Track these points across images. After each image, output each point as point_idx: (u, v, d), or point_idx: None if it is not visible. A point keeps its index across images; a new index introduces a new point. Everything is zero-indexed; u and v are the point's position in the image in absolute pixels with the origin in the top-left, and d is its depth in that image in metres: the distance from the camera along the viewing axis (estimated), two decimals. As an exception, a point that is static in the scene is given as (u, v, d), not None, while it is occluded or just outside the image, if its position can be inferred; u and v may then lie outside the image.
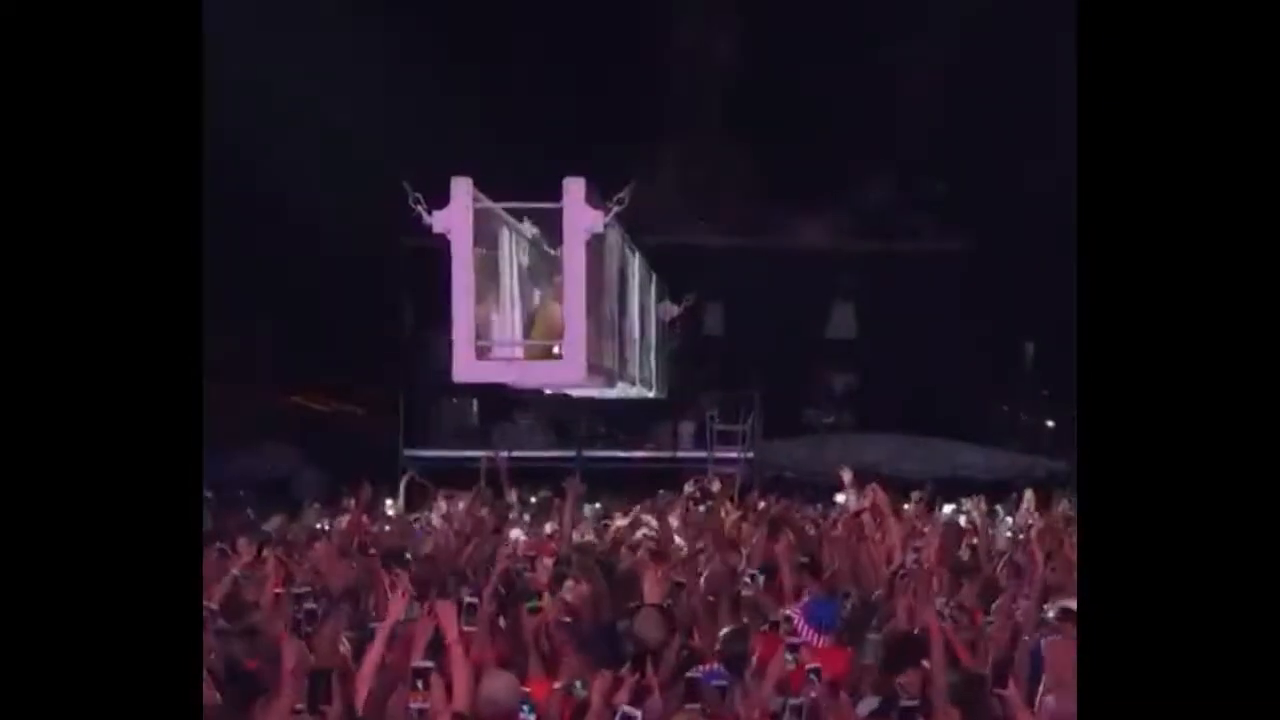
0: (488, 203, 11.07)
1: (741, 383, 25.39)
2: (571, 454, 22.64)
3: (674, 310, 17.05)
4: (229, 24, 12.56)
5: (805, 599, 10.18)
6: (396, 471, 22.65)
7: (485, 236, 11.40)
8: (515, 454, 22.62)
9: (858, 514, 12.83)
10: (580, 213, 10.67)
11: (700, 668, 8.44)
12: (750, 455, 22.66)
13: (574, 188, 10.69)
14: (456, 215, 10.54)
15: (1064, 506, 16.01)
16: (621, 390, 14.10)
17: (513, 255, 11.89)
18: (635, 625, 9.81)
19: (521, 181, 11.97)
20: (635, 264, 14.08)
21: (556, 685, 8.19)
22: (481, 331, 10.74)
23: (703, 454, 22.70)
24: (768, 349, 25.93)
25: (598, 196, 10.71)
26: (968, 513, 15.96)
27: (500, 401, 22.81)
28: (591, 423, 23.54)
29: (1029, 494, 16.07)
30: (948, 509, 16.69)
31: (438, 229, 10.45)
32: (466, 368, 10.52)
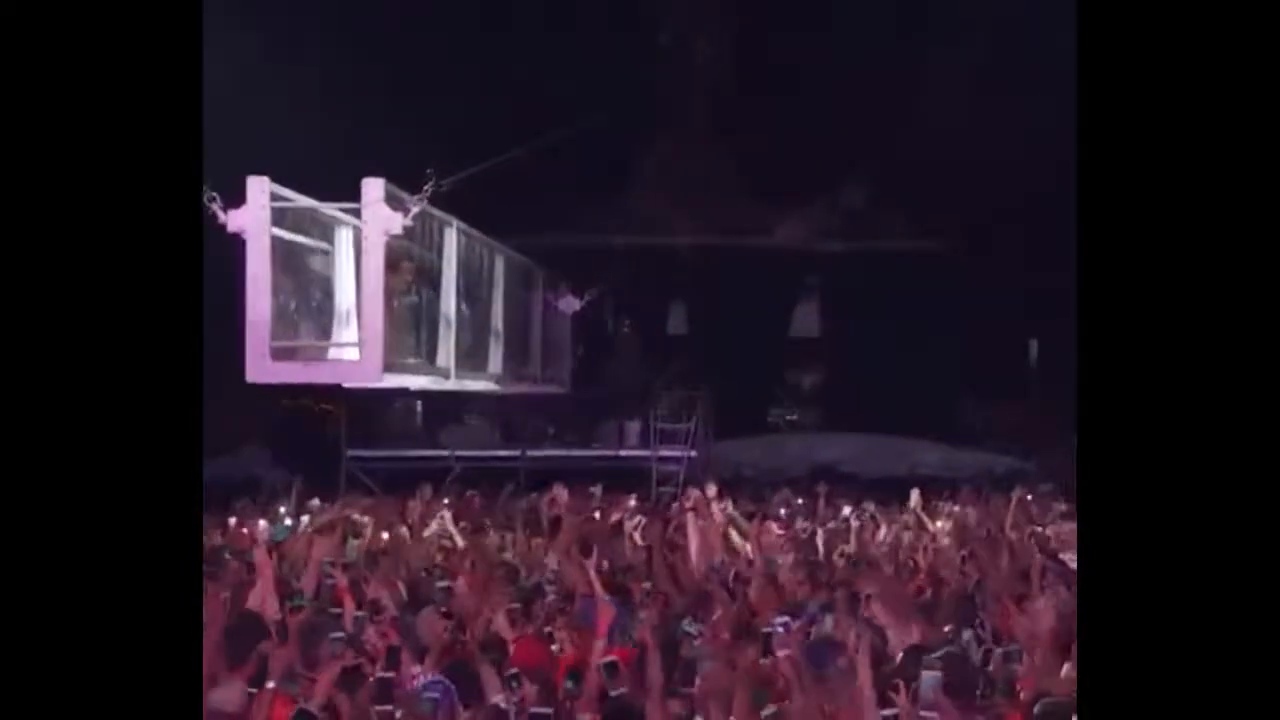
0: (298, 201, 11.08)
1: (706, 381, 25.32)
2: (516, 453, 22.63)
3: (576, 304, 16.97)
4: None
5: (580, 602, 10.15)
6: (341, 473, 22.86)
7: (324, 235, 11.42)
8: (460, 454, 22.79)
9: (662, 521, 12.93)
10: (379, 213, 10.62)
11: (424, 676, 8.43)
12: (693, 454, 22.53)
13: (372, 188, 10.62)
14: (250, 215, 10.48)
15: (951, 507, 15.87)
16: (484, 385, 14.06)
17: (346, 254, 11.81)
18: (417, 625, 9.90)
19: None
20: (500, 262, 14.00)
21: (269, 684, 8.17)
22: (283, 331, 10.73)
23: (646, 453, 22.61)
24: (732, 347, 25.79)
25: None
26: (863, 515, 15.91)
27: (447, 401, 22.79)
28: (538, 422, 23.49)
29: (915, 494, 15.87)
30: (846, 510, 16.59)
31: (231, 228, 10.40)
32: (258, 368, 10.46)
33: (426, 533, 13.77)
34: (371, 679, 8.14)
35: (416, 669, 8.76)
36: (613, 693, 8.18)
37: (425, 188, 10.84)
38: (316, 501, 16.02)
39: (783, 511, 17.12)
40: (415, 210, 10.68)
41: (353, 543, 13.34)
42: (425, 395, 22.32)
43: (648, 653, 8.20)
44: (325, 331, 11.33)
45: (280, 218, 11.12)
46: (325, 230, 11.46)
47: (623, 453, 22.91)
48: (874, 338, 25.61)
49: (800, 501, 18.30)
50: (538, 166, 23.58)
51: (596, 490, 18.09)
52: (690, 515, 12.67)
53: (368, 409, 23.19)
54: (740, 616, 9.89)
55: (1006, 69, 22.19)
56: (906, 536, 14.04)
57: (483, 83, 25.01)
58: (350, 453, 22.83)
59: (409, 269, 12.07)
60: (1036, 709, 7.96)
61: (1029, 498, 18.00)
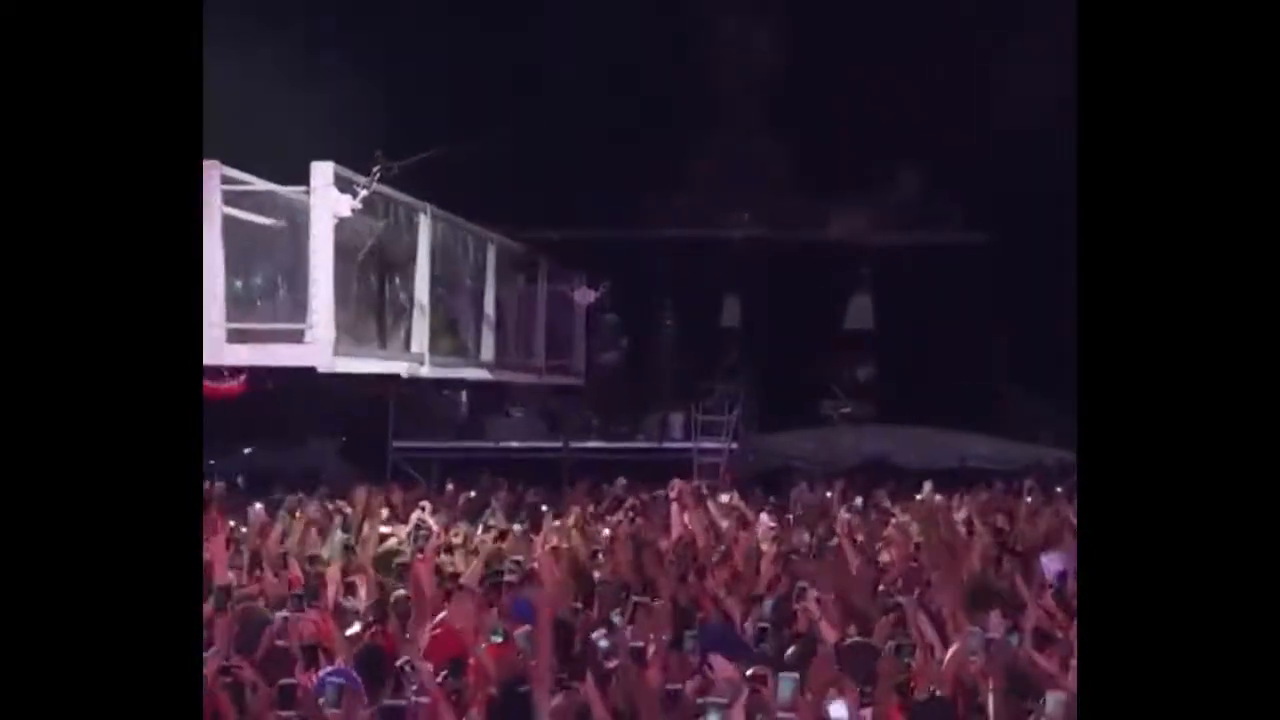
0: (253, 185, 11.18)
1: (758, 374, 25.20)
2: (558, 445, 22.59)
3: (590, 295, 16.94)
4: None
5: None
6: (386, 465, 22.98)
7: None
8: (503, 445, 22.82)
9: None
10: (328, 197, 10.67)
11: (327, 667, 8.41)
12: (734, 446, 22.38)
13: (322, 172, 10.69)
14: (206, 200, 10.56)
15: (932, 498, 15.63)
16: (473, 372, 14.09)
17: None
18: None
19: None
20: (492, 251, 13.96)
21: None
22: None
23: (689, 444, 22.48)
24: (785, 340, 25.58)
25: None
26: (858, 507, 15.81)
27: (491, 393, 22.80)
28: (583, 414, 23.44)
29: (927, 485, 15.70)
30: (858, 501, 16.44)
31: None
32: (216, 350, 10.56)
33: (404, 530, 13.77)
34: (274, 686, 8.02)
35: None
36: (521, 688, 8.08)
37: (374, 170, 10.87)
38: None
39: (799, 505, 16.97)
40: (364, 194, 10.71)
41: (338, 536, 13.34)
42: (471, 387, 22.34)
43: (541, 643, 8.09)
44: (301, 314, 11.39)
45: (251, 202, 11.25)
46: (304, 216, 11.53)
47: (665, 444, 22.78)
48: (928, 330, 25.29)
49: (829, 494, 18.12)
50: (597, 160, 23.88)
51: (621, 481, 18.07)
52: (674, 505, 12.60)
53: (414, 401, 23.25)
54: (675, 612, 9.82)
55: (1063, 61, 21.87)
56: (909, 529, 13.80)
57: (541, 75, 25.14)
58: (396, 444, 22.92)
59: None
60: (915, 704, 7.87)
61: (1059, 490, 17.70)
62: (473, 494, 17.94)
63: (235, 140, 11.30)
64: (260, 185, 11.09)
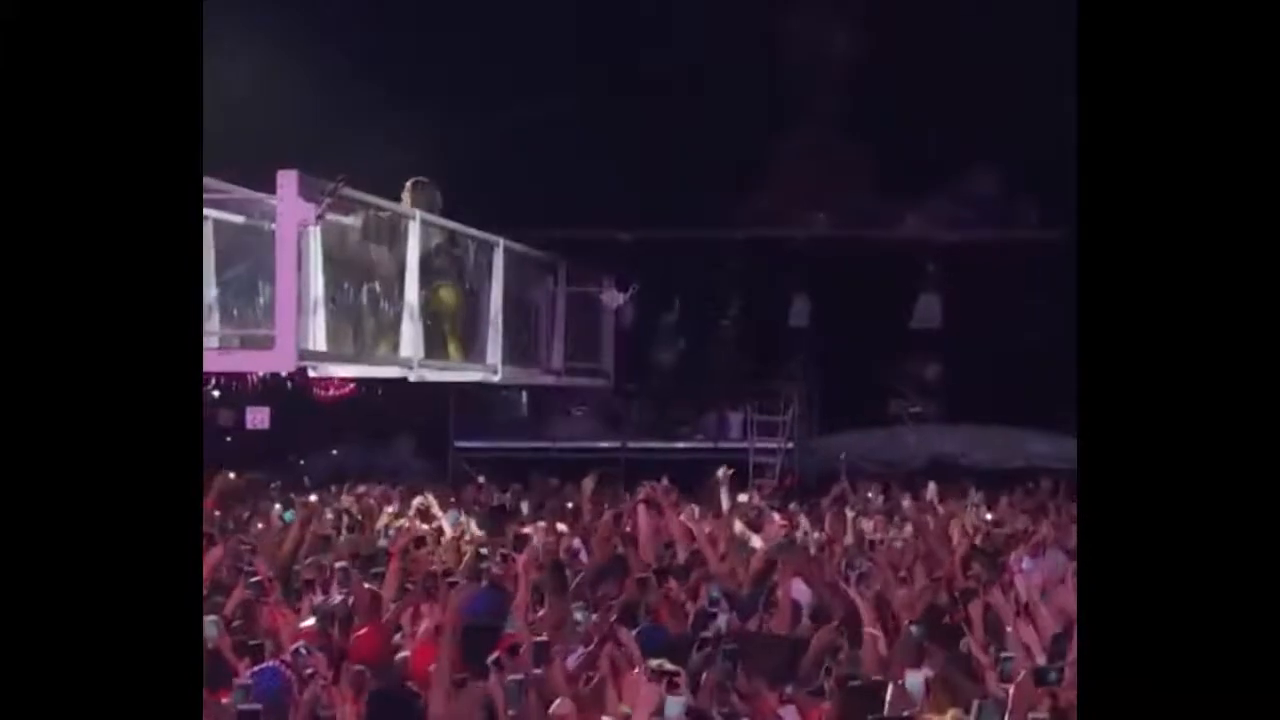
0: (234, 193, 11.47)
1: (826, 374, 25.17)
2: (617, 444, 22.79)
3: (619, 298, 17.05)
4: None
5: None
6: (448, 464, 23.34)
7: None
8: (563, 444, 23.06)
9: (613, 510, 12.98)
10: (293, 205, 10.86)
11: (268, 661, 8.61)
12: (790, 445, 22.40)
13: (287, 180, 10.88)
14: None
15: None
16: (476, 375, 14.25)
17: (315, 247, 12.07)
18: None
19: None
20: (498, 254, 14.07)
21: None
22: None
23: (744, 444, 22.57)
24: (854, 339, 25.50)
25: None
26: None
27: (553, 394, 23.05)
28: (643, 413, 23.60)
29: (932, 485, 15.63)
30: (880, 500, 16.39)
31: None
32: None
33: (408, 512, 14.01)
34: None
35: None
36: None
37: (339, 178, 11.04)
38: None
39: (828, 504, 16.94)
40: (328, 202, 10.90)
41: (346, 534, 13.60)
42: (531, 388, 22.62)
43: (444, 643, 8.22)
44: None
45: (236, 209, 11.53)
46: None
47: (722, 444, 22.86)
48: (997, 328, 25.05)
49: (869, 495, 18.08)
50: (671, 161, 23.97)
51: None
52: (642, 506, 12.66)
53: (475, 402, 23.59)
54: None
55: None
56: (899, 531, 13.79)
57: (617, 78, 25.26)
58: (457, 444, 23.27)
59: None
60: (843, 690, 7.89)
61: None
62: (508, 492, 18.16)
63: (238, 142, 11.59)
64: (242, 193, 11.35)
